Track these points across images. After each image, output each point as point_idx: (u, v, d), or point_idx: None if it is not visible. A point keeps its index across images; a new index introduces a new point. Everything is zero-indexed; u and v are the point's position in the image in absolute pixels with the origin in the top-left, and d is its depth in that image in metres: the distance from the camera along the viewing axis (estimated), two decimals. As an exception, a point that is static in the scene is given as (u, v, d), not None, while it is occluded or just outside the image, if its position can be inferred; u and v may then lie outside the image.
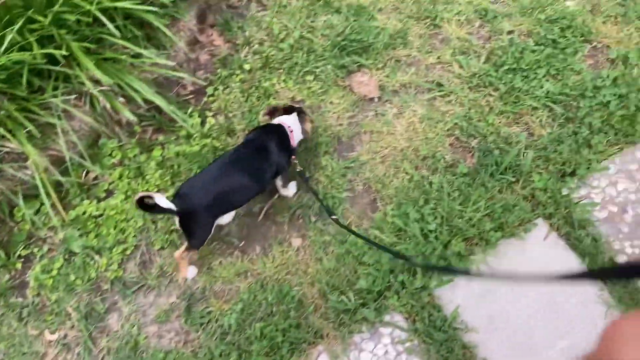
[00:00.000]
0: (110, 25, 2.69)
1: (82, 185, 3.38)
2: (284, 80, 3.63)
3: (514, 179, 3.04)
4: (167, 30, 2.96)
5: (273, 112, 3.16)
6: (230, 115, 3.55)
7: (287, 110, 3.14)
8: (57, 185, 3.28)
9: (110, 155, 3.43)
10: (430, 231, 2.89)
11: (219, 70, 3.73)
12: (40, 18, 2.65)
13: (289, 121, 3.06)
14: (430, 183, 3.10)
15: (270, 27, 3.83)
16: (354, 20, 3.77)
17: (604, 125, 3.13)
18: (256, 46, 3.80)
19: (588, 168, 2.99)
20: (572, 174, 2.99)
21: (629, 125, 3.10)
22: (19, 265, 3.24)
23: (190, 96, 3.74)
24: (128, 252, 3.20)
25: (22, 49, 2.63)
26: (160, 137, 3.50)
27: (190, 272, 3.03)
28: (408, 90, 3.50)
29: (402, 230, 2.95)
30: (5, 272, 3.23)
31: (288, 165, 3.03)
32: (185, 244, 2.86)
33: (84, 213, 3.29)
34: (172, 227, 3.22)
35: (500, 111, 3.31)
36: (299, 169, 3.04)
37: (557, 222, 2.87)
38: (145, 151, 3.45)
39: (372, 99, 3.53)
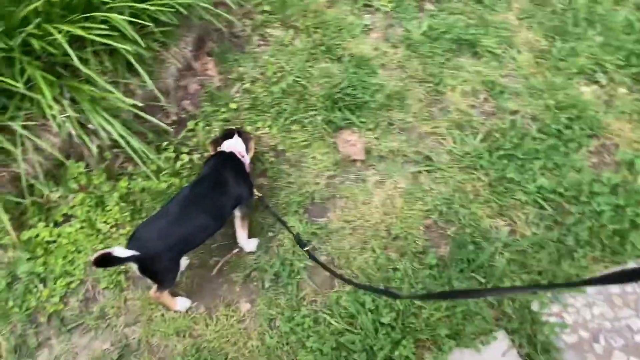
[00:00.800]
0: (74, 58, 2.53)
1: (42, 205, 3.25)
2: (269, 126, 3.46)
3: (484, 280, 2.81)
4: (138, 66, 2.79)
5: (217, 142, 3.02)
6: (206, 154, 3.38)
7: (227, 135, 3.00)
8: (17, 203, 3.15)
9: (75, 178, 3.29)
10: (383, 324, 2.69)
11: (204, 104, 3.57)
12: (7, 41, 2.52)
13: (238, 146, 2.93)
14: (395, 269, 2.89)
15: (267, 66, 3.64)
16: (354, 73, 3.57)
17: (591, 237, 2.88)
18: (248, 84, 3.63)
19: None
20: (547, 287, 2.76)
21: (619, 242, 2.85)
22: (-37, 279, 3.12)
23: (173, 125, 3.58)
24: (73, 285, 3.06)
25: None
26: (130, 167, 3.35)
27: (181, 303, 2.87)
28: (395, 158, 3.30)
29: (354, 318, 2.75)
30: (-53, 286, 3.11)
31: (250, 195, 2.89)
32: (155, 286, 2.71)
33: (37, 236, 3.16)
34: (123, 268, 3.07)
35: (486, 200, 3.09)
36: (257, 195, 2.93)
37: (520, 340, 2.64)
38: (112, 179, 3.30)
39: (355, 161, 3.33)
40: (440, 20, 3.79)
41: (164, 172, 3.28)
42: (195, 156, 3.38)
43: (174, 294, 2.91)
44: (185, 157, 3.36)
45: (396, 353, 2.60)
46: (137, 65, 2.85)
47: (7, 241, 3.13)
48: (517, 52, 3.63)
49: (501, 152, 3.18)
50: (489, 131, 3.32)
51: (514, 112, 3.41)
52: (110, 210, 3.20)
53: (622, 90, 3.43)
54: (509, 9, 3.84)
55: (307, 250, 2.72)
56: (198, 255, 3.09)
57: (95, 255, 2.33)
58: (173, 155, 3.37)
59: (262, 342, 2.76)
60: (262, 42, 3.85)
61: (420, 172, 3.25)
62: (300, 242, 2.83)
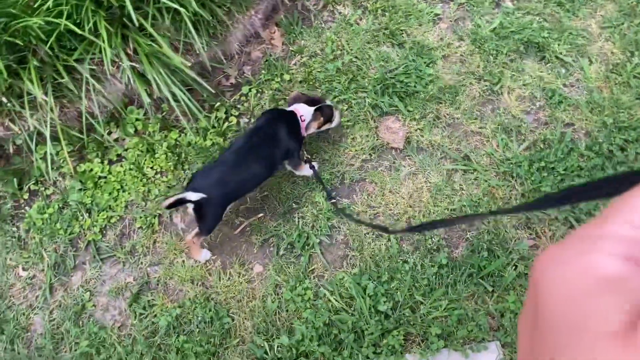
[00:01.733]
0: (130, 9, 2.73)
1: (102, 143, 3.55)
2: (317, 102, 3.52)
3: (491, 289, 2.77)
4: (190, 26, 2.95)
5: (297, 99, 3.14)
6: (252, 121, 3.53)
7: (311, 102, 3.09)
8: (80, 138, 3.45)
9: (132, 123, 3.56)
10: (379, 311, 2.74)
11: (262, 72, 3.70)
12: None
13: (304, 111, 3.03)
14: (405, 261, 2.91)
15: (327, 42, 3.70)
16: (412, 61, 3.54)
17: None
18: (306, 58, 3.71)
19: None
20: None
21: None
22: (25, 196, 3.52)
23: (230, 88, 3.76)
24: (113, 220, 3.35)
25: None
26: (183, 121, 3.57)
27: (204, 254, 3.12)
28: (434, 152, 3.27)
29: (353, 300, 2.82)
30: (12, 200, 3.51)
31: (298, 151, 3.04)
32: (196, 229, 2.94)
33: (91, 170, 3.48)
34: (158, 212, 3.32)
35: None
36: (306, 157, 3.10)
37: (512, 355, 2.59)
38: (165, 130, 3.54)
39: (393, 149, 3.33)
40: (514, 19, 3.64)
41: (211, 131, 3.46)
42: (244, 120, 3.53)
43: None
44: (234, 120, 3.52)
45: (384, 341, 2.65)
46: (190, 26, 2.99)
47: (66, 170, 3.47)
48: (588, 63, 3.43)
49: (542, 164, 3.06)
50: (535, 140, 3.19)
51: (568, 125, 3.24)
52: (158, 157, 3.44)
53: (694, 119, 3.16)
54: (592, 16, 3.61)
55: (333, 203, 2.92)
56: (226, 214, 3.26)
57: (170, 200, 2.65)
58: (223, 116, 3.54)
59: (264, 305, 2.90)
60: (330, 19, 3.90)
61: (455, 170, 3.20)
62: (329, 195, 3.00)
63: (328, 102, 3.16)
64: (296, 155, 3.05)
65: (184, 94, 3.27)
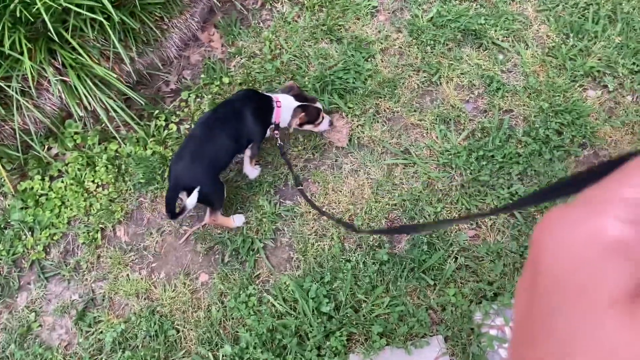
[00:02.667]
0: (49, 24, 2.67)
1: (42, 160, 3.49)
2: (257, 103, 3.48)
3: (432, 282, 2.78)
4: (110, 35, 2.89)
5: (290, 88, 3.10)
6: (192, 127, 3.48)
7: (302, 99, 3.06)
8: (17, 157, 3.39)
9: (72, 137, 3.50)
10: (322, 313, 2.73)
11: (202, 76, 3.65)
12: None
13: (284, 101, 3.00)
14: (348, 260, 2.90)
15: (265, 42, 3.66)
16: (351, 56, 3.52)
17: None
18: (245, 59, 3.66)
19: (512, 297, 2.66)
20: (494, 297, 2.68)
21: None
22: (-34, 219, 3.44)
23: (171, 94, 3.71)
24: (56, 237, 3.30)
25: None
26: (123, 131, 3.51)
27: (238, 220, 3.10)
28: (375, 147, 3.26)
29: (297, 302, 2.81)
30: (-47, 222, 3.44)
31: (259, 139, 3.03)
32: (208, 210, 2.95)
33: (31, 188, 3.42)
34: (100, 226, 3.28)
35: (454, 200, 3.01)
36: (279, 143, 3.05)
37: (454, 348, 2.61)
38: (104, 141, 3.48)
39: (336, 147, 3.31)
40: (451, 7, 3.62)
41: (151, 140, 3.41)
42: (184, 127, 3.49)
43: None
44: (173, 127, 3.48)
45: (327, 343, 2.65)
46: (113, 37, 2.94)
47: (6, 189, 3.40)
48: (525, 47, 3.43)
49: (480, 153, 3.06)
50: (474, 129, 3.19)
51: (506, 112, 3.25)
52: (98, 170, 3.38)
53: (629, 98, 3.18)
54: (529, 0, 3.61)
55: (300, 189, 2.89)
56: (170, 223, 3.22)
57: (174, 212, 2.75)
58: (163, 123, 3.49)
59: (209, 315, 2.88)
60: (268, 17, 3.86)
61: (396, 164, 3.19)
62: (297, 181, 2.99)
63: (318, 105, 3.11)
64: (256, 144, 3.04)
65: (117, 104, 3.22)
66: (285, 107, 3.00)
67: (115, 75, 3.02)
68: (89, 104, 3.05)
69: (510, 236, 2.87)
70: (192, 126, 3.40)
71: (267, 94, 3.07)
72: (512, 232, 2.87)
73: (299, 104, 3.03)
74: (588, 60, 3.27)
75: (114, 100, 3.17)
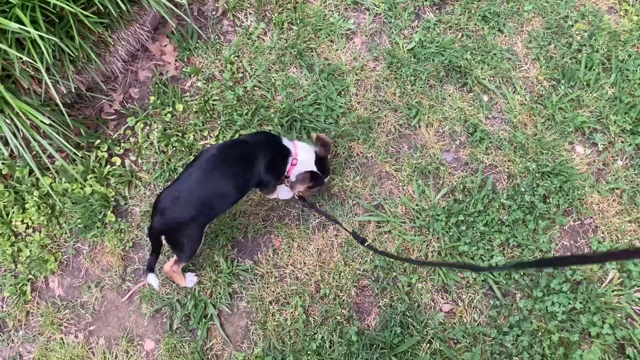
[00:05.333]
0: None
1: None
2: (215, 137, 3.09)
3: (403, 369, 2.55)
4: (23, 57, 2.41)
5: (323, 144, 2.70)
6: (140, 162, 3.06)
7: (320, 161, 2.70)
8: None
9: (-2, 166, 3.01)
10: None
11: (152, 98, 3.19)
12: None
13: (303, 158, 2.64)
14: (313, 339, 2.63)
15: (226, 64, 3.21)
16: (322, 87, 3.13)
17: (533, 342, 2.57)
18: (201, 82, 3.22)
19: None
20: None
21: (563, 355, 2.53)
22: None
23: (115, 116, 3.24)
24: (-23, 288, 2.87)
25: None
26: (57, 162, 3.04)
27: (189, 280, 2.76)
28: (345, 198, 2.94)
29: (255, 386, 2.53)
30: None
31: (272, 185, 2.72)
32: (174, 257, 2.56)
33: (-51, 227, 2.94)
34: (30, 277, 2.87)
35: (430, 270, 2.75)
36: (297, 196, 2.76)
37: None
38: (39, 171, 3.00)
39: (302, 197, 2.97)
40: (435, 36, 3.26)
41: (90, 176, 2.97)
42: (129, 160, 3.06)
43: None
44: (117, 161, 3.05)
45: None
46: (33, 65, 2.45)
47: None
48: (512, 91, 3.14)
49: (460, 217, 2.80)
50: (454, 187, 2.92)
51: (489, 167, 2.98)
52: (29, 209, 2.94)
53: (620, 163, 2.96)
54: (519, 33, 3.28)
55: (368, 245, 2.55)
56: (112, 276, 2.85)
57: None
58: (105, 155, 3.05)
59: (154, 395, 2.57)
60: (230, 29, 3.39)
61: (368, 221, 2.90)
62: (357, 237, 2.62)
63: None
64: (270, 187, 2.71)
65: (52, 130, 2.75)
66: (301, 165, 2.64)
67: (36, 112, 2.52)
68: (14, 135, 2.58)
69: (488, 317, 2.66)
70: (145, 167, 2.99)
71: (286, 143, 2.65)
72: (490, 312, 2.66)
73: (314, 169, 2.65)
74: (579, 113, 3.02)
75: (48, 125, 2.69)
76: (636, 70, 3.12)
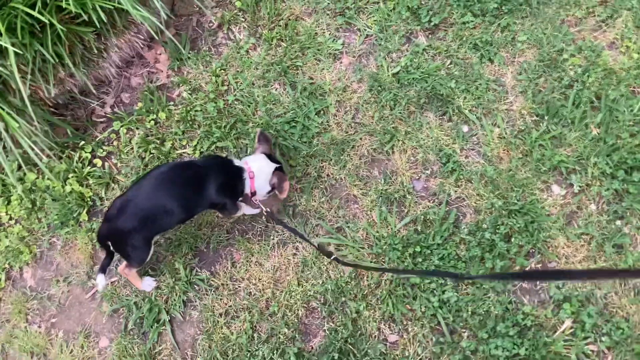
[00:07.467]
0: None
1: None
2: (194, 148, 3.18)
3: (338, 395, 2.56)
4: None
5: (265, 140, 2.83)
6: (119, 165, 3.19)
7: (271, 157, 2.78)
8: None
9: (-11, 159, 3.20)
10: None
11: (139, 104, 3.32)
12: None
13: (258, 167, 2.70)
14: (254, 354, 2.68)
15: (212, 76, 3.30)
16: (303, 104, 3.17)
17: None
18: (187, 93, 3.32)
19: None
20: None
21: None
22: None
23: (103, 119, 3.39)
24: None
25: None
26: (44, 158, 3.21)
27: (146, 283, 2.88)
28: (309, 219, 2.97)
29: (191, 394, 2.61)
30: None
31: (230, 206, 2.75)
32: (124, 262, 2.70)
33: (-61, 213, 3.17)
34: (7, 265, 3.05)
35: (380, 300, 2.75)
36: (265, 210, 2.74)
37: None
38: (27, 164, 3.17)
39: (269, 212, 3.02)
40: (422, 61, 3.23)
41: (72, 176, 3.13)
42: (110, 163, 3.19)
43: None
44: (99, 162, 3.19)
45: None
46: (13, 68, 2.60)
47: None
48: (493, 124, 3.07)
49: (417, 249, 2.78)
50: (417, 217, 2.89)
51: (457, 200, 2.93)
52: (14, 200, 3.13)
53: (593, 207, 2.85)
54: (510, 63, 3.20)
55: (335, 259, 2.53)
56: (79, 272, 3.00)
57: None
58: (89, 155, 3.20)
59: (99, 391, 2.69)
60: (222, 41, 3.48)
61: (328, 243, 2.91)
62: (323, 251, 2.68)
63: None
64: (228, 208, 2.75)
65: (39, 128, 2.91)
66: (260, 174, 2.69)
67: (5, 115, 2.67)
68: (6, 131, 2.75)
69: (431, 353, 2.63)
70: (123, 170, 3.12)
71: (238, 163, 2.71)
72: (434, 348, 2.63)
73: (275, 165, 2.72)
74: (558, 151, 2.92)
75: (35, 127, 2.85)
76: (626, 112, 2.98)
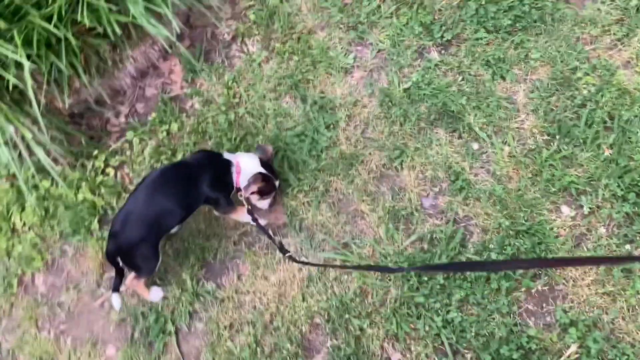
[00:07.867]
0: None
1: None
2: (203, 158, 3.21)
3: (339, 413, 2.56)
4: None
5: (264, 151, 2.91)
6: (131, 175, 3.24)
7: (267, 166, 2.84)
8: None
9: (6, 166, 3.28)
10: None
11: (153, 115, 3.36)
12: None
13: (246, 164, 2.77)
14: (257, 368, 2.70)
15: (225, 89, 3.34)
16: (313, 118, 3.19)
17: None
18: (199, 105, 3.36)
19: None
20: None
21: None
22: None
23: (118, 128, 3.44)
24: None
25: None
26: (58, 167, 3.29)
27: (154, 294, 2.94)
28: (315, 234, 2.99)
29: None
30: None
31: (223, 199, 2.81)
32: (133, 273, 2.77)
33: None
34: (20, 272, 3.12)
35: (384, 318, 2.75)
36: (247, 208, 2.81)
37: None
38: (38, 174, 3.25)
39: (275, 225, 3.05)
40: (433, 77, 3.22)
41: (84, 184, 3.19)
42: (122, 172, 3.25)
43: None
44: (111, 172, 3.24)
45: None
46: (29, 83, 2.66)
47: None
48: (503, 143, 3.05)
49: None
50: (424, 235, 2.88)
51: (464, 218, 2.92)
52: (28, 208, 3.19)
53: (603, 230, 2.81)
54: (522, 81, 3.18)
55: (289, 256, 2.63)
56: (89, 280, 3.05)
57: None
58: (102, 165, 3.25)
59: (104, 400, 2.73)
60: (236, 54, 3.51)
61: (334, 259, 2.92)
62: (282, 249, 2.70)
63: (276, 183, 2.91)
64: (222, 204, 2.81)
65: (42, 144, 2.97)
66: (246, 171, 2.75)
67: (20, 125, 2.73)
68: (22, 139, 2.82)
69: (433, 372, 2.62)
70: (135, 180, 3.17)
71: (228, 156, 2.80)
72: (436, 368, 2.62)
73: (262, 170, 2.76)
74: (569, 172, 2.89)
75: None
76: (638, 133, 2.94)
